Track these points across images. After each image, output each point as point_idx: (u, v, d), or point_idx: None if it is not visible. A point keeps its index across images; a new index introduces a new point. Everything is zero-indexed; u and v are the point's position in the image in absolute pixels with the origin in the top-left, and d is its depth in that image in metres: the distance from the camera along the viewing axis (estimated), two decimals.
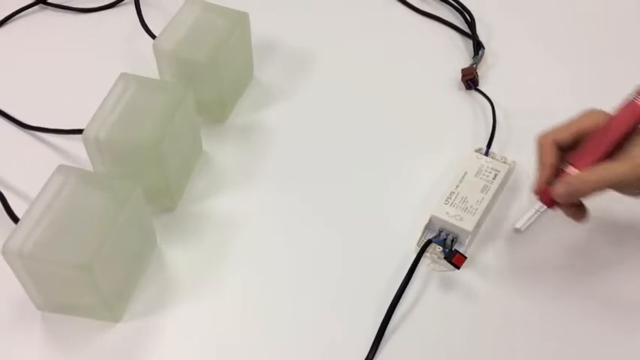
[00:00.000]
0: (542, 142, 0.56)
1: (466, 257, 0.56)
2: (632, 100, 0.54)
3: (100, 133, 0.57)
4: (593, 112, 0.55)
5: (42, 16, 0.80)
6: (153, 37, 0.69)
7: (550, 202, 0.55)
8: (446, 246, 0.58)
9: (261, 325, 0.55)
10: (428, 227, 0.59)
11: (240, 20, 0.67)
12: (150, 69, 0.66)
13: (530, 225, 0.55)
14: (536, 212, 0.55)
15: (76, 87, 0.72)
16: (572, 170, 0.54)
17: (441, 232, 0.59)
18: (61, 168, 0.54)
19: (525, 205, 0.60)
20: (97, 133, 0.57)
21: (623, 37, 0.78)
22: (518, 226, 0.55)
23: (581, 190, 0.53)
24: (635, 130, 0.54)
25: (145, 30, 0.71)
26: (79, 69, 0.74)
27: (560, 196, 0.53)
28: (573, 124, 0.55)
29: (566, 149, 0.55)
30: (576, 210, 0.55)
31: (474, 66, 0.73)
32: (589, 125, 0.55)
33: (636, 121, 0.53)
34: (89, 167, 0.60)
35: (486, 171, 0.62)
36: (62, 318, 0.55)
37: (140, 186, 0.54)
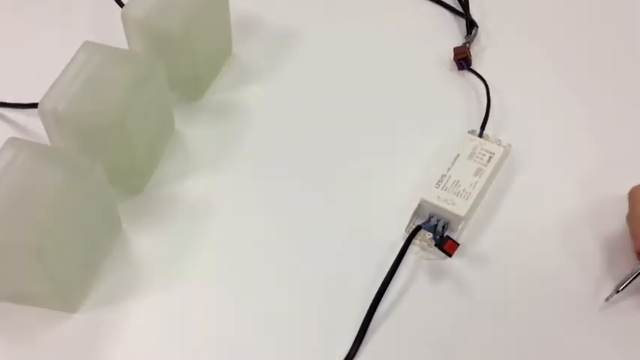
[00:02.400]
0: (634, 192, 0.52)
1: (458, 244, 0.54)
2: None
3: (58, 105, 0.53)
4: None
5: None
6: (121, 5, 0.66)
7: None
8: (437, 232, 0.55)
9: (234, 316, 0.53)
10: (417, 212, 0.57)
11: None
12: (118, 40, 0.62)
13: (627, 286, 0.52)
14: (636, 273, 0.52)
15: (36, 58, 0.68)
16: None
17: (431, 217, 0.56)
18: (12, 141, 0.50)
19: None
20: (54, 105, 0.53)
21: (620, 19, 0.75)
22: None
23: None
24: None
25: None
26: (41, 39, 0.70)
27: None
28: None
29: None
30: None
31: (467, 45, 0.70)
32: None
33: None
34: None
35: (480, 153, 0.59)
36: (11, 308, 0.52)
37: (103, 164, 0.51)
